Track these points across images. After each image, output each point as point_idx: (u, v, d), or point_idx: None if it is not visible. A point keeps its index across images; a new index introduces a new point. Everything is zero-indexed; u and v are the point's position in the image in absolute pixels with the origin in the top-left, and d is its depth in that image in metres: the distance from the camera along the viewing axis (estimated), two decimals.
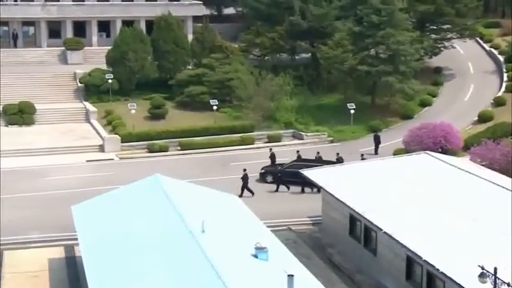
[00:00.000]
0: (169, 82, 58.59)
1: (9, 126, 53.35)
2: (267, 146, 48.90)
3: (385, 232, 26.89)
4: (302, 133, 52.74)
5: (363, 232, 29.51)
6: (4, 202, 37.65)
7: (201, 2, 72.88)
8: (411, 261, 25.83)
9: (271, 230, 27.87)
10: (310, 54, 64.71)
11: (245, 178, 39.69)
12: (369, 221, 28.36)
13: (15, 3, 65.51)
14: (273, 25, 63.80)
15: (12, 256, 30.78)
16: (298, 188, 40.14)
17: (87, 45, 65.86)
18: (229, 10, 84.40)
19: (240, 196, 36.86)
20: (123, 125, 52.04)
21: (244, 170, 40.14)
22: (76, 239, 26.90)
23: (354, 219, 30.32)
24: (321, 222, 34.51)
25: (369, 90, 58.14)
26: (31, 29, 67.36)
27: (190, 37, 64.51)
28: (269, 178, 42.06)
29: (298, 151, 45.93)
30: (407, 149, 44.82)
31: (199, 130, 51.39)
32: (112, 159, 47.55)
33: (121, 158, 47.81)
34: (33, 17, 65.65)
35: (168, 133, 50.69)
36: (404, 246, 25.57)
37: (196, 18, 69.43)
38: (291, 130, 53.42)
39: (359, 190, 31.40)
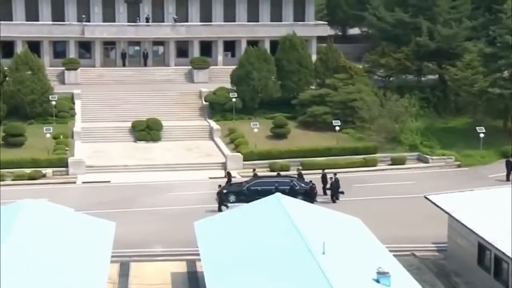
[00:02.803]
0: (292, 102, 58.68)
1: (137, 142, 55.22)
2: (391, 169, 47.80)
3: None
4: (428, 156, 51.06)
5: (493, 262, 27.94)
6: (130, 216, 38.86)
7: (326, 23, 72.92)
8: None
9: (394, 255, 26.95)
10: (437, 75, 62.92)
11: (220, 194, 39.34)
12: (500, 250, 26.78)
13: (147, 24, 68.12)
14: (399, 45, 62.63)
15: (138, 268, 31.59)
16: None
17: (212, 64, 67.29)
18: (354, 31, 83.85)
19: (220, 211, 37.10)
20: (246, 143, 52.55)
21: (219, 186, 39.95)
22: (198, 254, 27.18)
23: (483, 247, 28.79)
24: (446, 249, 33.11)
25: (501, 114, 55.59)
26: (161, 49, 69.76)
27: (314, 57, 64.42)
28: (232, 198, 40.44)
29: (254, 169, 45.33)
30: None
31: (321, 150, 51.02)
32: (234, 177, 47.98)
33: (243, 176, 48.16)
34: (163, 37, 67.91)
35: (290, 153, 50.67)
36: None
37: (320, 38, 69.36)
38: (416, 153, 51.85)
39: (488, 218, 29.77)
